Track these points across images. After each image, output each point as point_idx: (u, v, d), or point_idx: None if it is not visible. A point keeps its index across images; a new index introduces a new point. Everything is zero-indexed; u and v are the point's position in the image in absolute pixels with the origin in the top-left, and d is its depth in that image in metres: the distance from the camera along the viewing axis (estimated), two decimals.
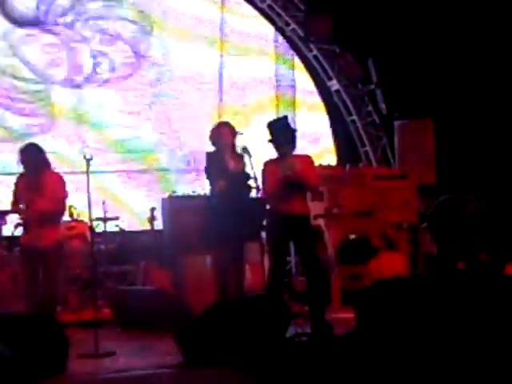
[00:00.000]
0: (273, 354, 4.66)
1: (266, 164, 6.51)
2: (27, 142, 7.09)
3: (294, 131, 6.67)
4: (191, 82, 11.26)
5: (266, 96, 11.79)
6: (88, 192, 6.27)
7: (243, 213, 6.68)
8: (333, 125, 12.17)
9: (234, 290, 6.97)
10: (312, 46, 12.00)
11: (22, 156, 6.60)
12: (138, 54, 10.97)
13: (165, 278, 8.26)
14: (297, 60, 12.09)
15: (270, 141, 6.49)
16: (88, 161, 6.30)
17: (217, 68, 11.47)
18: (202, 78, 11.33)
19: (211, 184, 6.82)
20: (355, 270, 8.39)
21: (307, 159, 6.61)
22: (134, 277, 8.84)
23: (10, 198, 6.72)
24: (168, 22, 11.23)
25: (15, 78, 10.37)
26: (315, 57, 12.07)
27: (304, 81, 12.11)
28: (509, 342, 4.29)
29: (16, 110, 10.31)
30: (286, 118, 6.85)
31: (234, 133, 6.85)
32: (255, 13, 11.77)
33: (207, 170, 6.85)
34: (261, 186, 6.47)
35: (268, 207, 6.56)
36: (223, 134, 6.81)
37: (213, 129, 6.95)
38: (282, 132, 6.47)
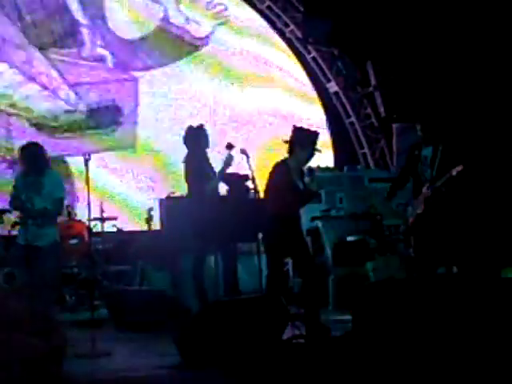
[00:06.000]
0: (270, 355, 4.67)
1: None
2: (28, 141, 7.09)
3: (314, 151, 6.26)
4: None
5: None
6: (88, 191, 6.29)
7: (237, 213, 6.69)
8: (331, 127, 12.19)
9: (227, 290, 7.00)
10: (310, 48, 12.01)
11: (22, 155, 6.60)
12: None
13: (162, 278, 8.26)
14: (297, 64, 12.11)
15: (290, 142, 6.22)
16: (86, 161, 6.31)
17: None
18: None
19: (200, 185, 6.78)
20: (352, 271, 8.39)
21: None
22: (131, 277, 8.84)
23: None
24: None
25: None
26: (314, 59, 12.09)
27: (303, 82, 12.13)
28: (505, 343, 4.31)
29: None
30: (317, 135, 6.32)
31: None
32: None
33: (194, 172, 6.84)
34: (259, 188, 6.47)
35: (266, 208, 6.54)
36: (203, 136, 6.89)
37: (192, 131, 6.93)
38: (310, 147, 6.16)
